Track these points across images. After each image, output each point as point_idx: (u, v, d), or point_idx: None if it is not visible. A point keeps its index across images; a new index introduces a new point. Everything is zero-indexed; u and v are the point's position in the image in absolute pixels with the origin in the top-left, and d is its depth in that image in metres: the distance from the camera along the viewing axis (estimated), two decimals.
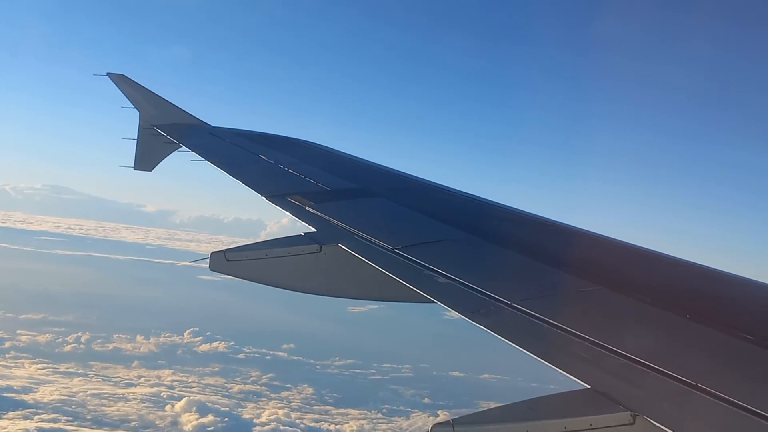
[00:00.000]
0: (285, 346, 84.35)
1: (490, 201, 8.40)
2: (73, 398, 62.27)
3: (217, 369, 76.86)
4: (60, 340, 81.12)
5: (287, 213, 7.43)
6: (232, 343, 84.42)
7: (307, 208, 7.43)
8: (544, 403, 3.81)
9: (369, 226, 6.82)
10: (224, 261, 6.21)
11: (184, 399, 64.20)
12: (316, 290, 6.61)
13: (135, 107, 12.43)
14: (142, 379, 71.28)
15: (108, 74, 12.76)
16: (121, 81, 12.72)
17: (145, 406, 62.87)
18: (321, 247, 6.25)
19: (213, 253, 6.20)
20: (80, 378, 69.15)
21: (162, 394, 66.30)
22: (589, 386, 3.78)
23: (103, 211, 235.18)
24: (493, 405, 4.06)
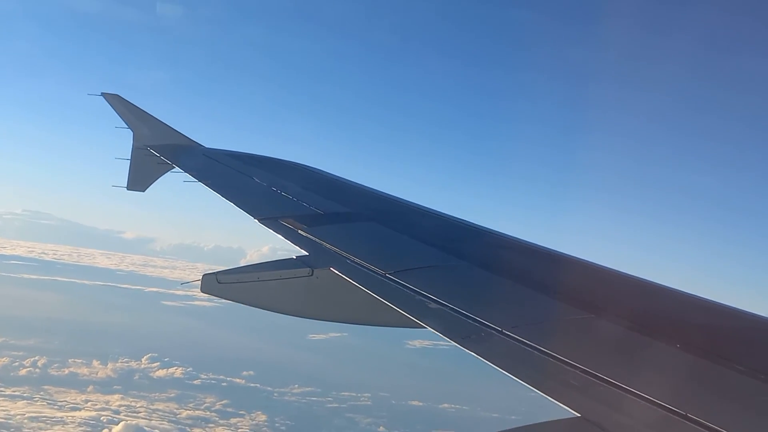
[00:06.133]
0: (244, 372, 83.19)
1: (482, 227, 8.42)
2: (9, 421, 61.07)
3: (173, 395, 75.53)
4: (16, 363, 79.34)
5: (279, 236, 7.37)
6: (190, 368, 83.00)
7: (299, 231, 7.41)
8: None
9: (361, 250, 6.84)
10: (216, 283, 6.24)
11: (122, 423, 63.09)
12: (306, 314, 6.65)
13: (129, 127, 12.42)
14: (89, 404, 69.84)
15: (102, 94, 12.76)
16: (115, 101, 12.73)
17: (82, 430, 61.75)
18: (313, 270, 6.29)
19: (205, 275, 6.25)
20: (25, 401, 67.65)
21: (102, 418, 65.18)
22: (579, 414, 3.77)
23: (81, 237, 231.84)
24: None
